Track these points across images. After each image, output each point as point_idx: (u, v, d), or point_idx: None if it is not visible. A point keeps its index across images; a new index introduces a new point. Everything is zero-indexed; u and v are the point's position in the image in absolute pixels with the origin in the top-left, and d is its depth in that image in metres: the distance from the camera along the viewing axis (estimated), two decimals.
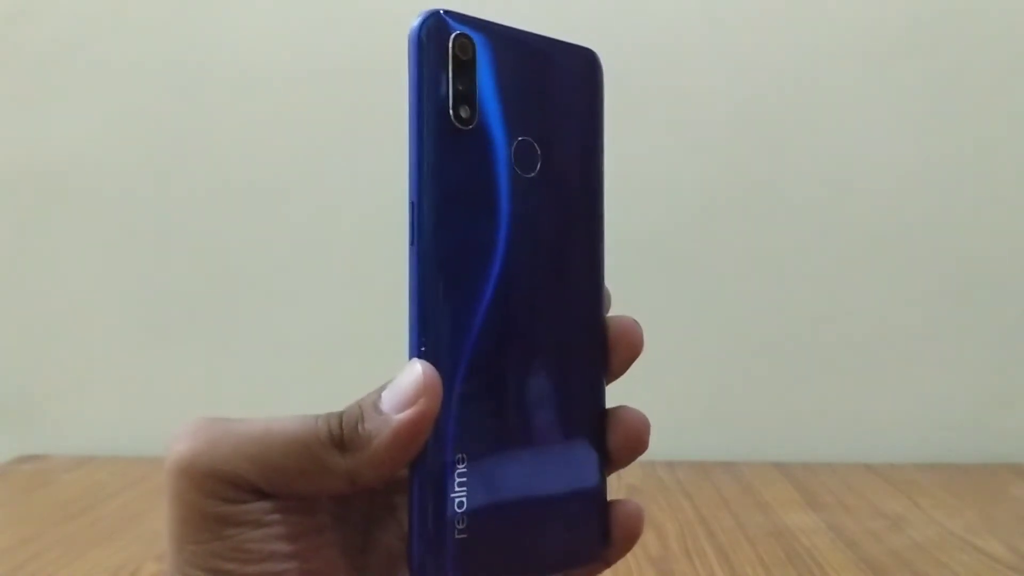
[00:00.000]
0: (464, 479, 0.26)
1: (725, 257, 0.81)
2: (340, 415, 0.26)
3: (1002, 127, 0.80)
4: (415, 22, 0.26)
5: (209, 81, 0.83)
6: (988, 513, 0.66)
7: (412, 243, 0.26)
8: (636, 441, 0.30)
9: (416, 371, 0.25)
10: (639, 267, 0.79)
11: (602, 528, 0.30)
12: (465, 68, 0.27)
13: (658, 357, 0.77)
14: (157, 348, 0.85)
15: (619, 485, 0.31)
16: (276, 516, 0.25)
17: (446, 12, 0.27)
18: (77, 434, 0.85)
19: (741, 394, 0.82)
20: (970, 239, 0.80)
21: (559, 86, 0.30)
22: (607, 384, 0.31)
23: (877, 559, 0.57)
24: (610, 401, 0.31)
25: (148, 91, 0.84)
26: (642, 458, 0.31)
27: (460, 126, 0.27)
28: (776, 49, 0.80)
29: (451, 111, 0.26)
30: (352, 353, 0.79)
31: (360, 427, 0.25)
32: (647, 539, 0.60)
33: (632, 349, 0.30)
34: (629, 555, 0.56)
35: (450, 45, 0.26)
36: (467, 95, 0.27)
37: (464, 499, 0.26)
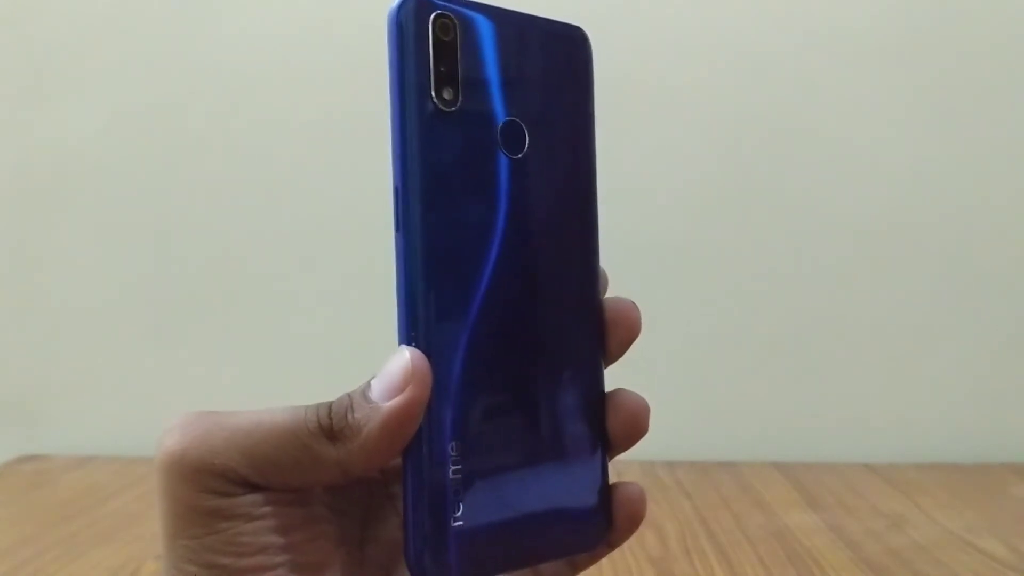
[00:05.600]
0: (459, 466, 0.26)
1: (725, 257, 0.81)
2: (329, 405, 0.26)
3: (1003, 127, 0.79)
4: (394, 3, 0.26)
5: (210, 80, 0.83)
6: (988, 513, 0.65)
7: (397, 229, 0.26)
8: (635, 424, 0.29)
9: (404, 358, 0.25)
10: (638, 267, 0.79)
11: (604, 511, 0.29)
12: (447, 49, 0.26)
13: (658, 357, 0.78)
14: (157, 348, 0.85)
15: (611, 479, 0.31)
16: (268, 508, 0.25)
17: None
18: (77, 434, 0.85)
19: (741, 394, 0.82)
20: (970, 239, 0.80)
21: (546, 65, 0.29)
22: (605, 367, 0.30)
23: (877, 559, 0.57)
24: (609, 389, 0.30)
25: (148, 91, 0.84)
26: (642, 458, 0.31)
27: (443, 108, 0.26)
28: (777, 49, 0.80)
29: (433, 93, 0.26)
30: (353, 352, 0.79)
31: (349, 416, 0.25)
32: (647, 539, 0.60)
33: (630, 330, 0.30)
34: (629, 555, 0.56)
35: (430, 25, 0.26)
36: (449, 77, 0.26)
37: (460, 487, 0.26)
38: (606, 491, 0.30)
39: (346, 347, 0.81)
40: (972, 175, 0.80)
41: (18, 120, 0.85)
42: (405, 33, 0.26)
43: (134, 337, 0.85)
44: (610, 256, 0.31)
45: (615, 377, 0.31)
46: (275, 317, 0.84)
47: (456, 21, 0.26)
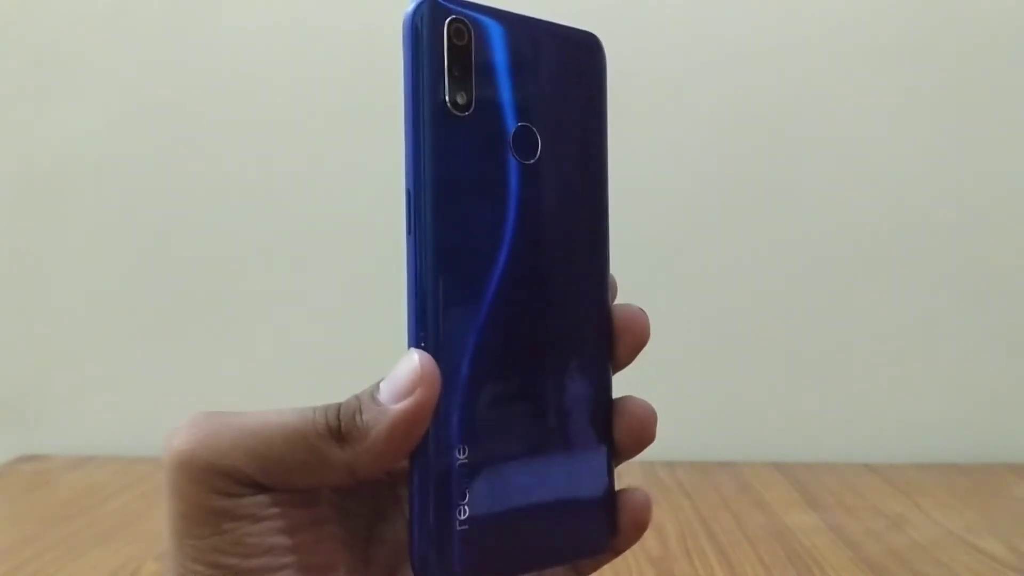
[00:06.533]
0: (466, 470, 0.26)
1: (725, 257, 0.81)
2: (338, 407, 0.26)
3: (1004, 126, 0.80)
4: (409, 7, 0.26)
5: (210, 80, 0.83)
6: (988, 513, 0.66)
7: (409, 232, 0.26)
8: (642, 432, 0.29)
9: (413, 361, 0.25)
10: (638, 267, 0.79)
11: (610, 518, 0.30)
12: (461, 53, 0.26)
13: (658, 357, 0.78)
14: (157, 348, 0.85)
15: (617, 485, 0.31)
16: (275, 509, 0.25)
17: None
18: (77, 434, 0.85)
19: (741, 394, 0.82)
20: (970, 239, 0.80)
21: (559, 71, 0.29)
22: (613, 374, 0.30)
23: (877, 559, 0.57)
24: (615, 395, 0.30)
25: (148, 90, 0.84)
26: (642, 458, 0.31)
27: (456, 113, 0.26)
28: (778, 48, 0.80)
29: (447, 97, 0.26)
30: (354, 353, 0.79)
31: (358, 418, 0.25)
32: (647, 539, 0.60)
33: (638, 338, 0.30)
34: (629, 555, 0.56)
35: (445, 30, 0.26)
36: (463, 81, 0.26)
37: (466, 490, 0.26)
38: (612, 497, 0.30)
39: (347, 347, 0.81)
40: (972, 175, 0.80)
41: (18, 120, 0.85)
42: (420, 37, 0.26)
43: (134, 337, 0.85)
44: (611, 255, 0.31)
45: (616, 377, 0.31)
46: (276, 317, 0.84)
47: (470, 26, 0.26)
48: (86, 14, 0.83)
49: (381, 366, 0.27)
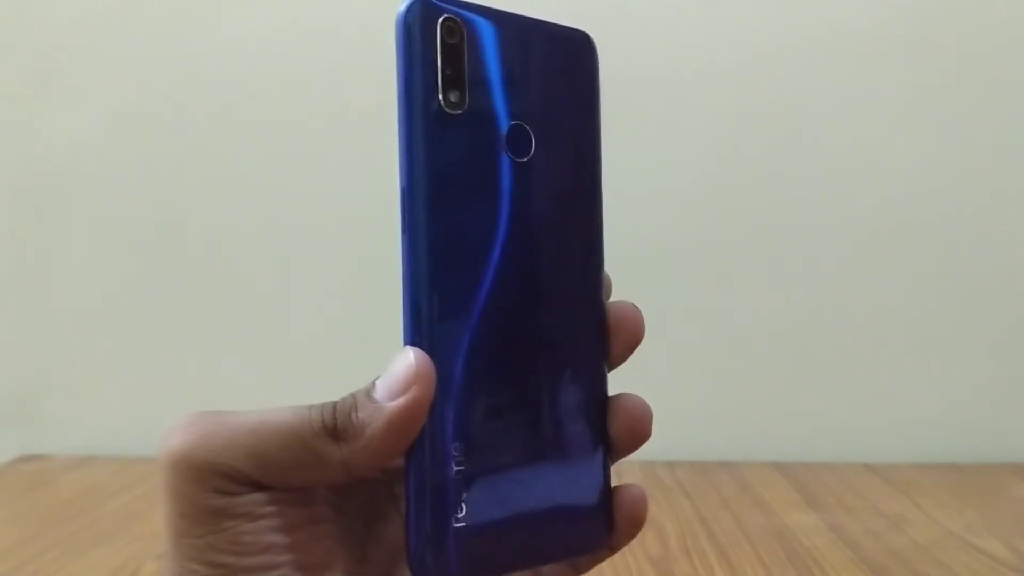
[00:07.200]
0: (462, 467, 0.26)
1: (725, 257, 0.81)
2: (333, 405, 0.26)
3: (1005, 126, 0.80)
4: (401, 7, 0.26)
5: (209, 81, 0.83)
6: (988, 513, 0.66)
7: (403, 230, 0.26)
8: (638, 428, 0.29)
9: (408, 359, 0.25)
10: (638, 266, 0.79)
11: (606, 514, 0.30)
12: (454, 52, 0.26)
13: (658, 357, 0.78)
14: (157, 348, 0.85)
15: (614, 482, 0.31)
16: (272, 508, 0.25)
17: None
18: (77, 434, 0.85)
19: (741, 394, 0.82)
20: (971, 240, 0.80)
21: (552, 69, 0.29)
22: (609, 371, 0.30)
23: (877, 559, 0.57)
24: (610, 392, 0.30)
25: (148, 91, 0.84)
26: (642, 458, 0.31)
27: (450, 111, 0.26)
28: (778, 48, 0.80)
29: (440, 96, 0.26)
30: (353, 353, 0.79)
31: (354, 416, 0.25)
32: (647, 539, 0.60)
33: (633, 335, 0.30)
34: (629, 555, 0.57)
35: (438, 29, 0.26)
36: (456, 79, 0.26)
37: (462, 487, 0.26)
38: (608, 494, 0.30)
39: (346, 347, 0.81)
40: (973, 175, 0.80)
41: (18, 120, 0.85)
42: (412, 36, 0.26)
43: (134, 337, 0.85)
44: (610, 256, 0.31)
45: (615, 376, 0.31)
46: (275, 317, 0.84)
47: (463, 24, 0.27)
48: (86, 15, 0.83)
49: (380, 365, 0.27)
